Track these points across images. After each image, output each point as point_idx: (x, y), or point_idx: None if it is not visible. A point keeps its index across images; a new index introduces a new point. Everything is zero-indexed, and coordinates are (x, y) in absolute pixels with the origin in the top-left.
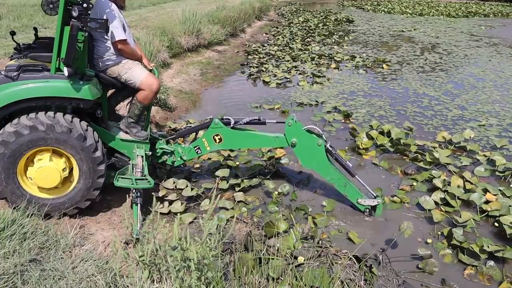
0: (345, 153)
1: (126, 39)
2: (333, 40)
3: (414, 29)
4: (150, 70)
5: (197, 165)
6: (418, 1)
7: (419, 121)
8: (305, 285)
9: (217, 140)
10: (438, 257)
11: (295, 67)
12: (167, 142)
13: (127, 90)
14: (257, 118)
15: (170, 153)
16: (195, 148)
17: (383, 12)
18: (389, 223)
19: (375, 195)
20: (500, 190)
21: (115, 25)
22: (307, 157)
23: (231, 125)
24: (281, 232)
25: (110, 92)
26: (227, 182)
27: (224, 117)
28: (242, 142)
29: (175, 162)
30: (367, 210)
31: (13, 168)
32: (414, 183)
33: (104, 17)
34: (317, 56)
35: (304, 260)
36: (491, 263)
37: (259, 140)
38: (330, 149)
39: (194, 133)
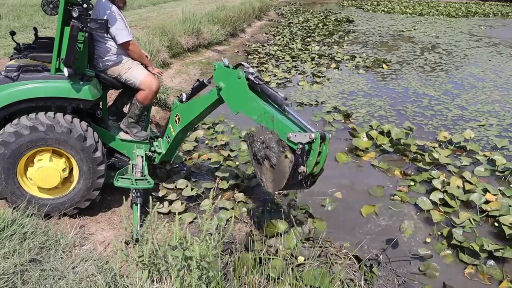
0: (345, 155)
1: (132, 40)
2: (333, 40)
3: (414, 29)
4: None
5: (197, 165)
6: (418, 1)
7: (419, 121)
8: (305, 285)
9: (177, 121)
10: (438, 256)
11: (295, 67)
12: None
13: (132, 91)
14: (198, 80)
15: (153, 151)
16: (166, 138)
17: (383, 12)
18: (389, 223)
19: (313, 130)
20: (500, 190)
21: (120, 26)
22: (232, 98)
23: (184, 100)
24: (281, 232)
25: (117, 95)
26: (227, 182)
27: (179, 96)
28: (191, 112)
29: (156, 158)
30: (300, 147)
31: (13, 168)
32: (413, 184)
33: (105, 18)
34: (317, 56)
35: (304, 260)
36: (491, 262)
37: (200, 103)
38: (253, 79)
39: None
